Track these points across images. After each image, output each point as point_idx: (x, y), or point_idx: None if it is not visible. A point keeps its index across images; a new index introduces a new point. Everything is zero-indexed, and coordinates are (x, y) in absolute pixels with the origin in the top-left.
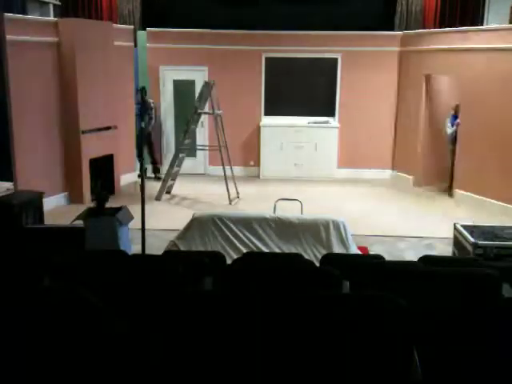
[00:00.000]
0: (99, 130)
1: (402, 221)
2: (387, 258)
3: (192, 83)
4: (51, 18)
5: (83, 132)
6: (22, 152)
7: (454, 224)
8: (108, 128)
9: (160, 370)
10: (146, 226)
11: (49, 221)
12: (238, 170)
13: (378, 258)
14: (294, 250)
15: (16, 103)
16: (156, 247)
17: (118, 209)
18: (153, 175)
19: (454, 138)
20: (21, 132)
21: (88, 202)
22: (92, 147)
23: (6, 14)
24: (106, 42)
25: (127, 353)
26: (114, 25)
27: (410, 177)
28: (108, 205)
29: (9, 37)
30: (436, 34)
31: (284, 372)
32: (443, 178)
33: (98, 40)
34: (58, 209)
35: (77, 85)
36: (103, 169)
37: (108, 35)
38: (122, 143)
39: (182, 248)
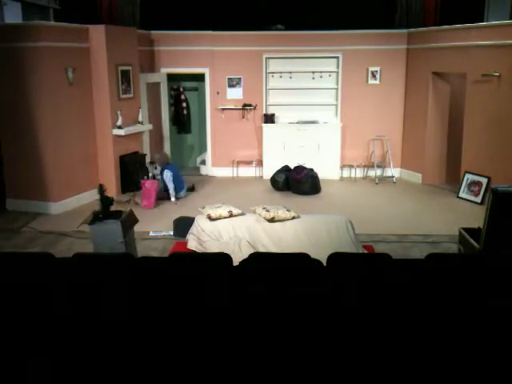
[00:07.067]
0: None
1: (409, 219)
2: (392, 256)
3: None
4: (83, 25)
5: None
6: None
7: (459, 229)
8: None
9: (164, 368)
10: (152, 229)
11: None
12: (241, 171)
13: (385, 256)
14: (300, 250)
15: None
16: (161, 250)
17: (124, 212)
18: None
19: None
20: None
21: None
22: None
23: (41, 21)
24: (131, 47)
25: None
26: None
27: (419, 174)
28: None
29: (43, 43)
30: (443, 32)
31: (284, 372)
32: (452, 176)
33: (124, 45)
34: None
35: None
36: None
37: (133, 40)
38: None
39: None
